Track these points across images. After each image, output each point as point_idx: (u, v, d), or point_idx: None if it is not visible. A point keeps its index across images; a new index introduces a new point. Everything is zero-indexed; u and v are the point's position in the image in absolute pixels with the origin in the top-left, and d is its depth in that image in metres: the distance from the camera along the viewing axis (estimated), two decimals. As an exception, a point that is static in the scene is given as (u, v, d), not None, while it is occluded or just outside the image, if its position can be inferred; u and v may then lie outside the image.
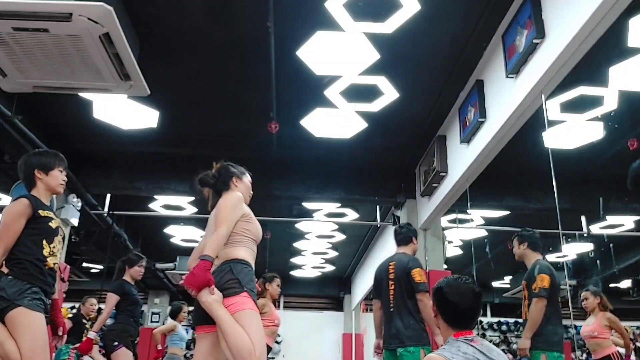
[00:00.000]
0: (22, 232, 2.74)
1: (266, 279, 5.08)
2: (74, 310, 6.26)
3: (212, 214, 2.74)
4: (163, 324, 12.13)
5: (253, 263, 2.65)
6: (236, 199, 2.66)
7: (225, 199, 2.66)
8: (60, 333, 3.00)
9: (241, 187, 2.83)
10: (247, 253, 2.61)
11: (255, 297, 2.53)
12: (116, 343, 4.48)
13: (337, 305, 13.38)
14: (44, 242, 2.77)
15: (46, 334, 2.73)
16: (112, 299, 4.57)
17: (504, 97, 3.93)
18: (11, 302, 2.60)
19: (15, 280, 2.65)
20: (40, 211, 2.79)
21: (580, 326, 5.42)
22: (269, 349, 4.88)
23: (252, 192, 2.93)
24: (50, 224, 2.83)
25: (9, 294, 2.60)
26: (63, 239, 2.96)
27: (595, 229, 7.33)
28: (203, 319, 2.44)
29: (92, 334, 4.61)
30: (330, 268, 11.57)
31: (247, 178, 2.93)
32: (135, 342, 4.77)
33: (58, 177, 2.94)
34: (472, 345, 1.94)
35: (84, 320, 6.06)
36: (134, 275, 4.78)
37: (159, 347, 6.58)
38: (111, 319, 4.73)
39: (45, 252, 2.77)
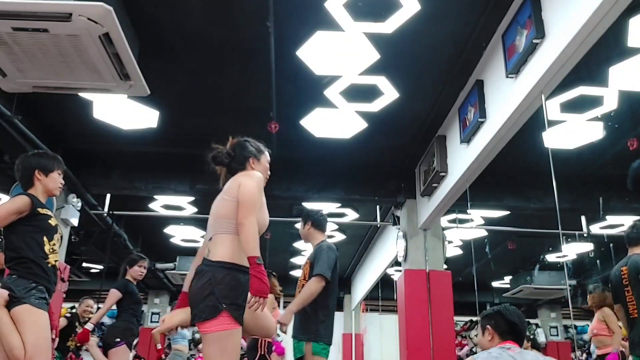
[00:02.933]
0: (23, 230, 2.76)
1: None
2: (74, 310, 6.16)
3: (220, 196, 2.52)
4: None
5: None
6: (259, 182, 2.42)
7: (247, 183, 2.39)
8: (53, 336, 3.02)
9: (258, 170, 2.59)
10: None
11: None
12: (118, 339, 4.47)
13: (336, 305, 13.32)
14: (45, 238, 2.81)
15: (50, 334, 2.74)
16: (114, 295, 4.56)
17: (504, 97, 3.93)
18: (18, 299, 2.63)
19: (20, 279, 2.68)
20: (39, 209, 2.82)
21: (580, 326, 5.45)
22: (272, 345, 4.96)
23: (269, 173, 2.69)
24: (49, 221, 2.87)
25: (16, 292, 2.64)
26: (61, 237, 2.99)
27: (595, 229, 7.32)
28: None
29: (89, 326, 4.57)
30: (330, 268, 11.55)
31: (266, 157, 2.67)
32: (135, 343, 4.77)
33: (57, 179, 2.97)
34: (506, 351, 2.27)
35: (77, 324, 5.86)
36: (134, 275, 4.79)
37: (159, 346, 6.58)
38: (112, 319, 4.72)
39: (47, 249, 2.80)
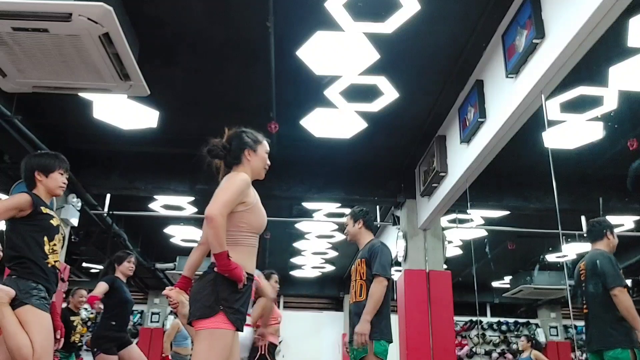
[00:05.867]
0: (24, 230, 2.76)
1: (264, 276, 5.11)
2: (64, 305, 5.95)
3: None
4: (163, 324, 12.10)
5: (254, 260, 2.41)
6: (243, 184, 2.34)
7: (228, 182, 2.35)
8: (58, 336, 3.02)
9: (254, 162, 2.51)
10: (242, 255, 2.31)
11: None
12: (95, 349, 4.43)
13: (336, 305, 13.38)
14: (45, 238, 2.80)
15: (52, 336, 2.75)
16: (101, 286, 4.42)
17: (504, 97, 3.93)
18: (19, 301, 2.62)
19: (20, 279, 2.68)
20: (42, 207, 2.83)
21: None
22: (275, 346, 4.95)
23: (269, 164, 2.61)
24: (51, 221, 2.87)
25: (17, 293, 2.63)
26: (63, 238, 2.98)
27: (595, 229, 7.31)
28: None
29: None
30: (330, 268, 11.56)
31: (264, 148, 2.59)
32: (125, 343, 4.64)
33: (58, 179, 2.96)
34: None
35: (72, 317, 5.64)
36: (125, 272, 4.72)
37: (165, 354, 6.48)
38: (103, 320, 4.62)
39: (46, 249, 2.79)
